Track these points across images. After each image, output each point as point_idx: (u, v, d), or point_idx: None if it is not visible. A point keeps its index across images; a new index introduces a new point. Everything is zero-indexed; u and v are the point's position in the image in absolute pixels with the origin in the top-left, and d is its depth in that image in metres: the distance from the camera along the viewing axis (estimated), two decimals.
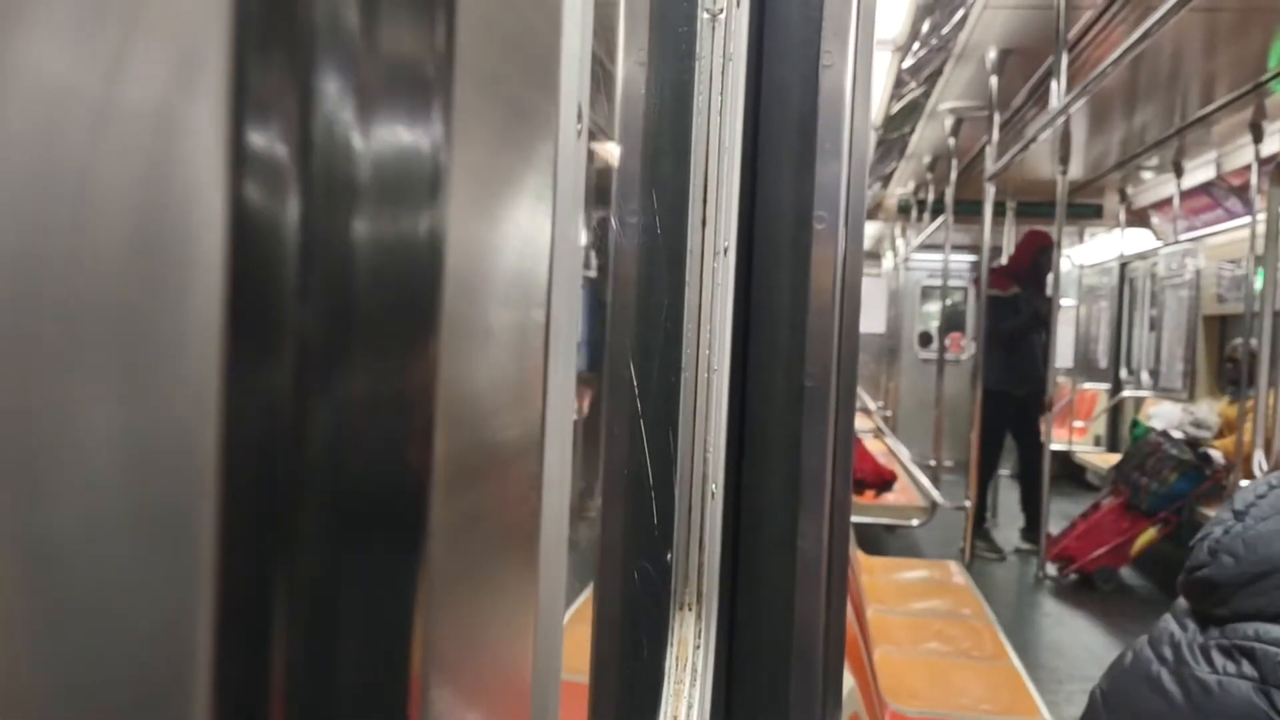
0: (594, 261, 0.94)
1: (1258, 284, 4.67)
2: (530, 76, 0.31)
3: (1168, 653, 1.12)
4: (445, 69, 0.26)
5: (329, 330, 0.23)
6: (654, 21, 0.82)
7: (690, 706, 0.79)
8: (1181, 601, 1.17)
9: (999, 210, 7.28)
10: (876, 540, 5.60)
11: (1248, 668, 1.00)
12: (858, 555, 3.94)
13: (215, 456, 0.20)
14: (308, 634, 0.23)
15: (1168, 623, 1.15)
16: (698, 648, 0.81)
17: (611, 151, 0.81)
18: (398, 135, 0.25)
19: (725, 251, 0.83)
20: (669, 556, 0.78)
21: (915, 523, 5.69)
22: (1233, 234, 6.58)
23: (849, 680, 1.64)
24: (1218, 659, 1.03)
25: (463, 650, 0.29)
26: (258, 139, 0.21)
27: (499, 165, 0.30)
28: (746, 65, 0.83)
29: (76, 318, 0.18)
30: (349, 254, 0.24)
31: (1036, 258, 5.84)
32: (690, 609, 0.81)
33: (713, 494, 0.82)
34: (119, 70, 0.18)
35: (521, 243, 0.30)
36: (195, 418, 0.20)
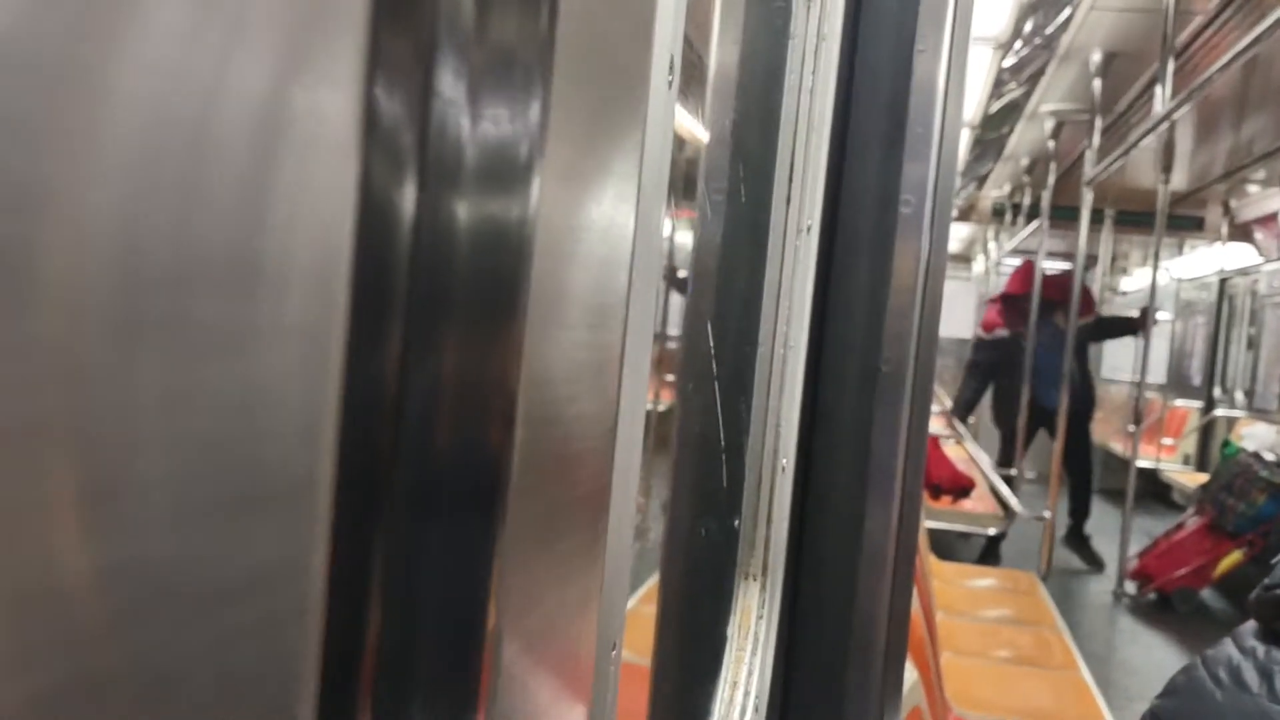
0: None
1: None
2: (627, 26, 0.32)
3: (1224, 675, 1.07)
4: (550, 26, 0.27)
5: (434, 309, 0.25)
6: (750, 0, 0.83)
7: (751, 674, 0.80)
8: (1249, 624, 1.12)
9: (1096, 218, 7.08)
10: (950, 547, 5.52)
11: None
12: (929, 559, 3.90)
13: (333, 427, 0.21)
14: (400, 597, 0.25)
15: (1227, 646, 1.10)
16: (760, 618, 0.82)
17: (698, 129, 0.83)
18: (505, 113, 0.26)
19: (808, 230, 0.84)
20: (736, 522, 0.80)
21: (992, 531, 5.59)
22: None
23: (912, 673, 1.64)
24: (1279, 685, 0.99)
25: (531, 615, 0.30)
26: (383, 116, 0.22)
27: (595, 129, 0.31)
28: (840, 46, 0.84)
29: (196, 296, 0.18)
30: (456, 232, 0.25)
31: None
32: (755, 579, 0.83)
33: (783, 468, 0.83)
34: (253, 54, 0.19)
35: (609, 210, 0.31)
36: (315, 392, 0.21)
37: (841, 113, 0.87)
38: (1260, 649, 1.05)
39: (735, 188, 0.81)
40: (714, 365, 0.74)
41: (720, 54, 0.82)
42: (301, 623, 0.22)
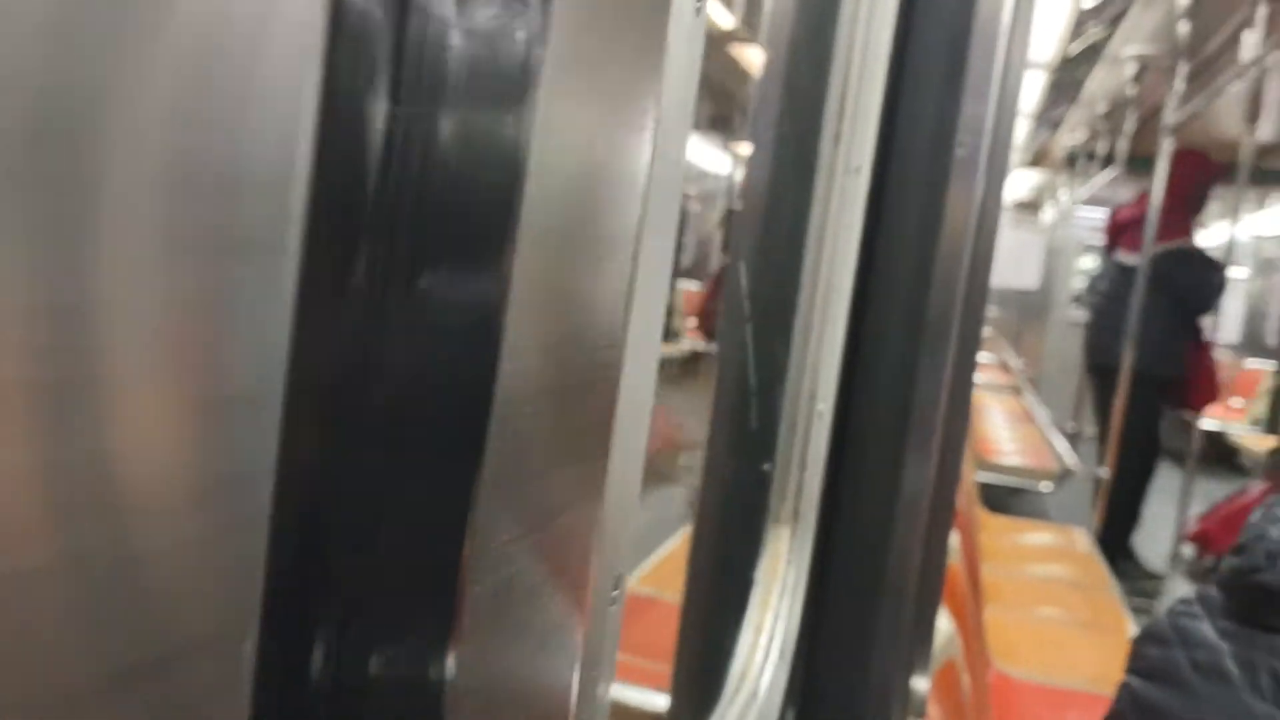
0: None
1: None
2: None
3: (1201, 656, 1.00)
4: None
5: (408, 225, 0.23)
6: None
7: (776, 619, 0.80)
8: (1214, 596, 1.04)
9: None
10: (1002, 501, 5.47)
11: None
12: (977, 511, 3.86)
13: (289, 344, 0.20)
14: (363, 527, 0.24)
15: (1202, 624, 1.02)
16: (790, 563, 0.82)
17: (753, 58, 0.80)
18: (497, 26, 0.25)
19: (857, 170, 0.81)
20: (767, 466, 0.79)
21: (1044, 486, 5.52)
22: None
23: (948, 628, 1.63)
24: (1265, 683, 0.92)
25: (519, 545, 0.30)
26: (352, 16, 0.21)
27: (600, 42, 0.30)
28: None
29: (131, 201, 0.17)
30: (436, 148, 0.24)
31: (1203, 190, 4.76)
32: (786, 524, 0.82)
33: (820, 413, 0.81)
34: None
35: (620, 135, 0.30)
36: (272, 308, 0.20)
37: (898, 48, 0.84)
38: (1235, 631, 0.98)
39: (783, 123, 0.78)
40: (747, 306, 0.72)
41: None
42: (253, 537, 0.21)
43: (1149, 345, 4.64)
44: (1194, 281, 4.78)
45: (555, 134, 0.27)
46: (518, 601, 0.30)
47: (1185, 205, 4.72)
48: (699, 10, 0.35)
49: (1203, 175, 4.80)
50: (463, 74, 0.24)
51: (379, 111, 0.22)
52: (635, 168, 0.32)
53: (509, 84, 0.25)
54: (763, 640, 0.78)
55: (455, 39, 0.24)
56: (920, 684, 1.03)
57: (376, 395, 0.24)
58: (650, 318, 0.34)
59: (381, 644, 0.25)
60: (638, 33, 0.32)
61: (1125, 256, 5.02)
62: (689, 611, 0.79)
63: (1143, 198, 5.04)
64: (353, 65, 0.21)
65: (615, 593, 0.35)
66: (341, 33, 0.21)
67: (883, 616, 0.92)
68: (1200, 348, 4.78)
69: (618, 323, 0.32)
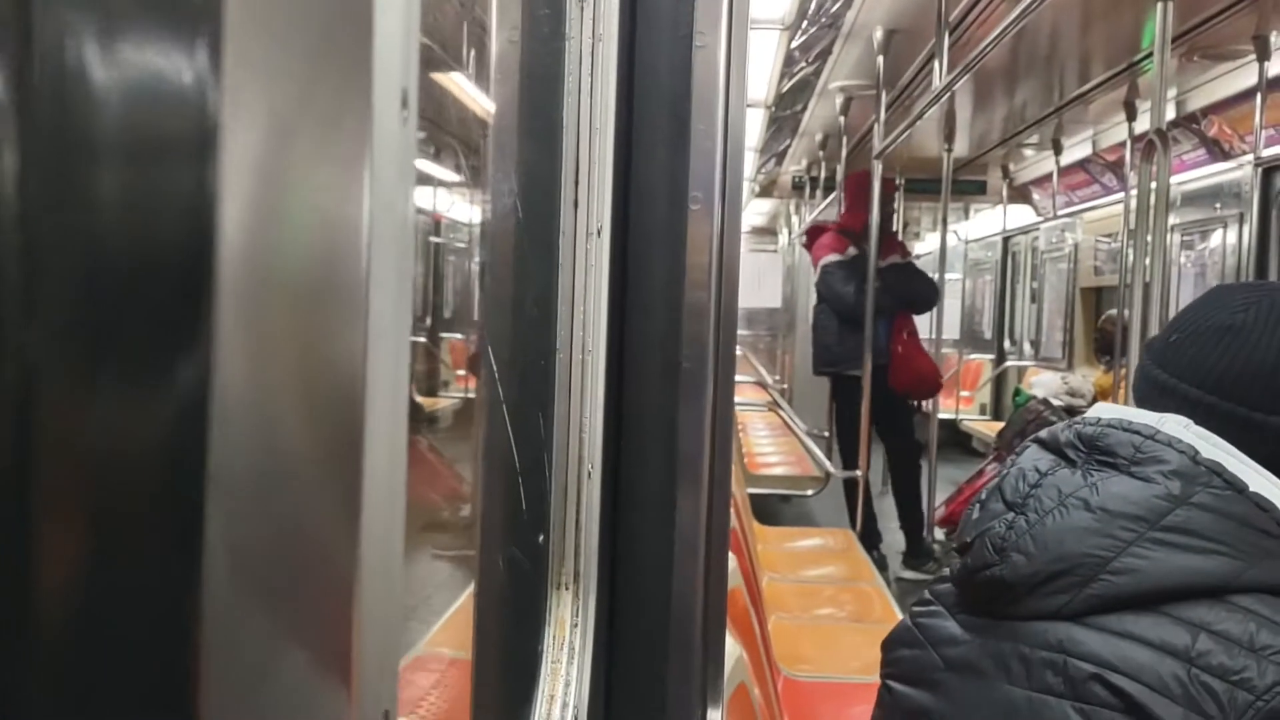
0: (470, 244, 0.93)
1: (1130, 257, 4.88)
2: (336, 52, 0.29)
3: (951, 653, 1.02)
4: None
5: (73, 328, 0.21)
6: None
7: (568, 684, 0.80)
8: (948, 591, 1.07)
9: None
10: (773, 511, 5.71)
11: (1056, 683, 0.92)
12: (753, 525, 4.01)
13: None
14: (67, 644, 0.21)
15: (942, 620, 1.05)
16: (575, 626, 0.82)
17: (481, 133, 0.80)
18: (159, 100, 0.23)
19: (599, 233, 0.83)
20: (541, 538, 0.79)
21: (810, 492, 5.81)
22: (1108, 209, 6.86)
23: (735, 651, 1.68)
24: (1017, 669, 0.95)
25: (258, 689, 0.27)
26: None
27: (290, 150, 0.28)
28: (618, 45, 0.83)
29: None
30: (95, 241, 0.22)
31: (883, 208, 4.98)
32: (567, 588, 0.82)
33: (589, 474, 0.82)
34: None
35: (323, 231, 0.29)
36: None
37: (625, 112, 0.87)
38: (976, 624, 1.01)
39: (522, 196, 0.79)
40: (499, 387, 0.72)
41: (498, 57, 0.80)
42: None
43: (844, 347, 5.08)
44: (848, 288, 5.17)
45: (248, 184, 0.25)
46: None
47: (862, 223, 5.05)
48: (407, 120, 0.33)
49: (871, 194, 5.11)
50: (120, 128, 0.22)
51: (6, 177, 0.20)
52: (356, 215, 0.30)
53: (177, 138, 0.23)
54: (557, 710, 0.77)
55: (109, 93, 0.22)
56: (716, 717, 1.05)
57: (60, 487, 0.21)
58: (391, 385, 0.31)
59: None
60: (342, 137, 0.30)
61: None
62: (480, 695, 0.77)
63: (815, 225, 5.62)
64: None
65: None
66: None
67: (673, 659, 0.94)
68: (894, 339, 5.23)
69: (355, 391, 0.29)
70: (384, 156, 0.30)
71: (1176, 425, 0.97)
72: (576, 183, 0.82)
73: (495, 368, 0.71)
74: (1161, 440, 0.96)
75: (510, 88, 0.79)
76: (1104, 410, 1.05)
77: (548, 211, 0.81)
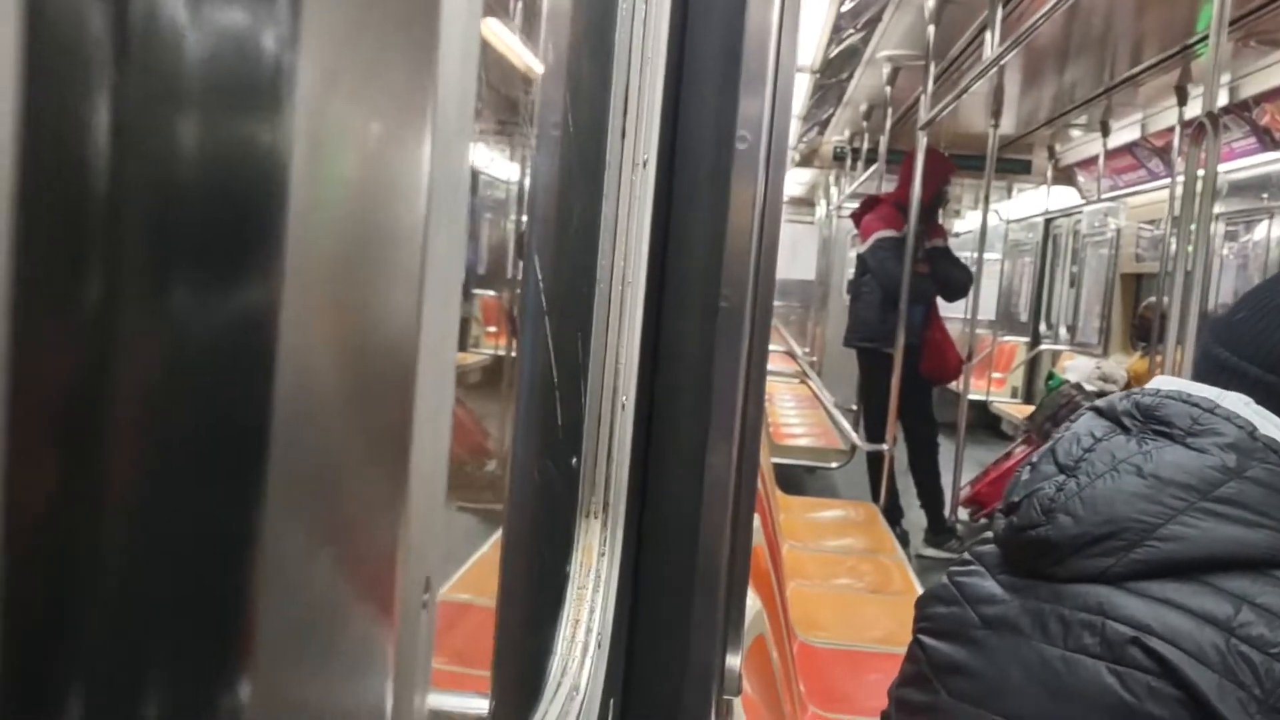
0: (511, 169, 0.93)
1: (1173, 244, 4.80)
2: None
3: (989, 611, 1.03)
4: None
5: (150, 238, 0.22)
6: None
7: (593, 611, 0.81)
8: (990, 552, 1.08)
9: None
10: (797, 482, 5.71)
11: (1093, 644, 0.92)
12: (775, 492, 4.02)
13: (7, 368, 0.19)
14: (120, 557, 0.22)
15: (981, 579, 1.06)
16: (603, 555, 0.82)
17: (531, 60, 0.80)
18: (233, 20, 0.23)
19: (645, 164, 0.83)
20: (575, 461, 0.79)
21: (834, 465, 5.81)
22: (1153, 195, 6.75)
23: (755, 602, 1.69)
24: (1055, 628, 0.95)
25: (315, 558, 0.28)
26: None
27: (363, 56, 0.29)
28: None
29: None
30: (172, 154, 0.22)
31: (939, 188, 5.11)
32: (596, 517, 0.83)
33: (623, 405, 0.83)
34: None
35: (397, 132, 0.29)
36: None
37: (677, 47, 0.86)
38: (1017, 584, 1.01)
39: (568, 120, 0.79)
40: (543, 302, 0.72)
41: None
42: None
43: (886, 324, 5.00)
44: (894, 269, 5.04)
45: (324, 136, 0.26)
46: (319, 622, 0.29)
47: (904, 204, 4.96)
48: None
49: (938, 175, 5.10)
50: (199, 78, 0.23)
51: (98, 118, 0.20)
52: (417, 165, 0.31)
53: (257, 88, 0.24)
54: (581, 634, 0.78)
55: (189, 42, 0.22)
56: (735, 662, 1.06)
57: (125, 415, 0.22)
58: (444, 316, 0.33)
59: (152, 684, 0.23)
60: (409, 33, 0.31)
61: (861, 248, 5.39)
62: (504, 611, 0.78)
63: (870, 197, 5.48)
64: (60, 68, 0.19)
65: (425, 596, 0.34)
66: (43, 35, 0.19)
67: (697, 600, 0.94)
68: (931, 324, 5.17)
69: (410, 322, 0.31)
70: (451, 55, 0.30)
71: (1237, 401, 0.97)
72: (625, 112, 0.81)
73: (541, 283, 0.72)
74: (1220, 414, 0.95)
75: (564, 13, 0.79)
76: (1164, 383, 1.05)
77: (596, 140, 0.81)
